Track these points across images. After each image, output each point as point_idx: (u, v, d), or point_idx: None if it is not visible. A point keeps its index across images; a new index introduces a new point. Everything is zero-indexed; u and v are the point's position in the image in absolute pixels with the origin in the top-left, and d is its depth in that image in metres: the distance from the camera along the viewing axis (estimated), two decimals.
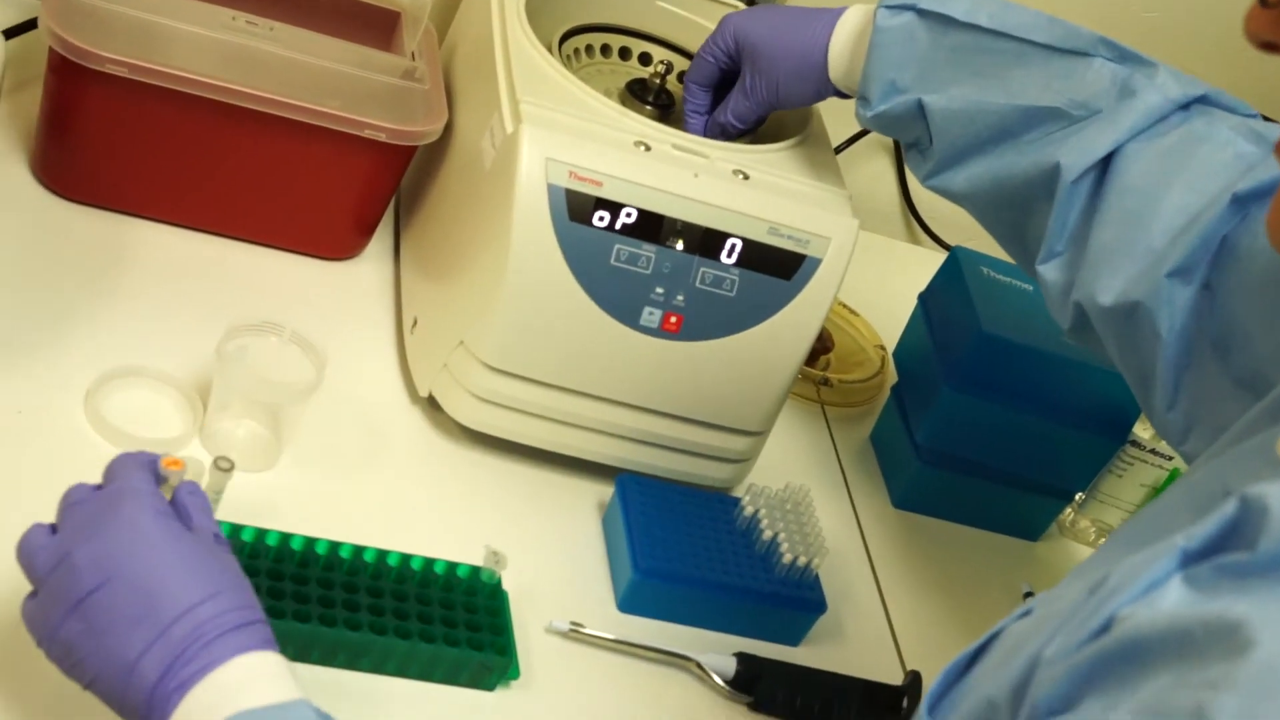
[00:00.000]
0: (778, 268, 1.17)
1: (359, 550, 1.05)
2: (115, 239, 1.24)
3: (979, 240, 1.61)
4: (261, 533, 1.02)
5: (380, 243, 1.36)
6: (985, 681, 0.73)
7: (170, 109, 1.19)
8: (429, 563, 1.06)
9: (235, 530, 1.02)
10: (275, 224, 1.29)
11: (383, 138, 1.22)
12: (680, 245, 1.15)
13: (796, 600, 1.17)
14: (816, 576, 1.18)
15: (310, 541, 1.04)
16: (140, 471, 0.85)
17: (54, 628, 0.80)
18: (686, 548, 1.16)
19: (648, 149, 1.16)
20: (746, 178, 1.18)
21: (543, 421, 1.20)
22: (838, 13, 1.15)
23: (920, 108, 1.09)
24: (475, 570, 1.08)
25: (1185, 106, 1.03)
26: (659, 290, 1.15)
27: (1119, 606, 0.64)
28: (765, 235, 1.16)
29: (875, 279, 1.56)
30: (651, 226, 1.14)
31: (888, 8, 1.09)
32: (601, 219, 1.13)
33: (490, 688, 1.04)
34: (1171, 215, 0.98)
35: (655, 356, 1.17)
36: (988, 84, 1.07)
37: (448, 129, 1.27)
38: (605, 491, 1.22)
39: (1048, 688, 0.65)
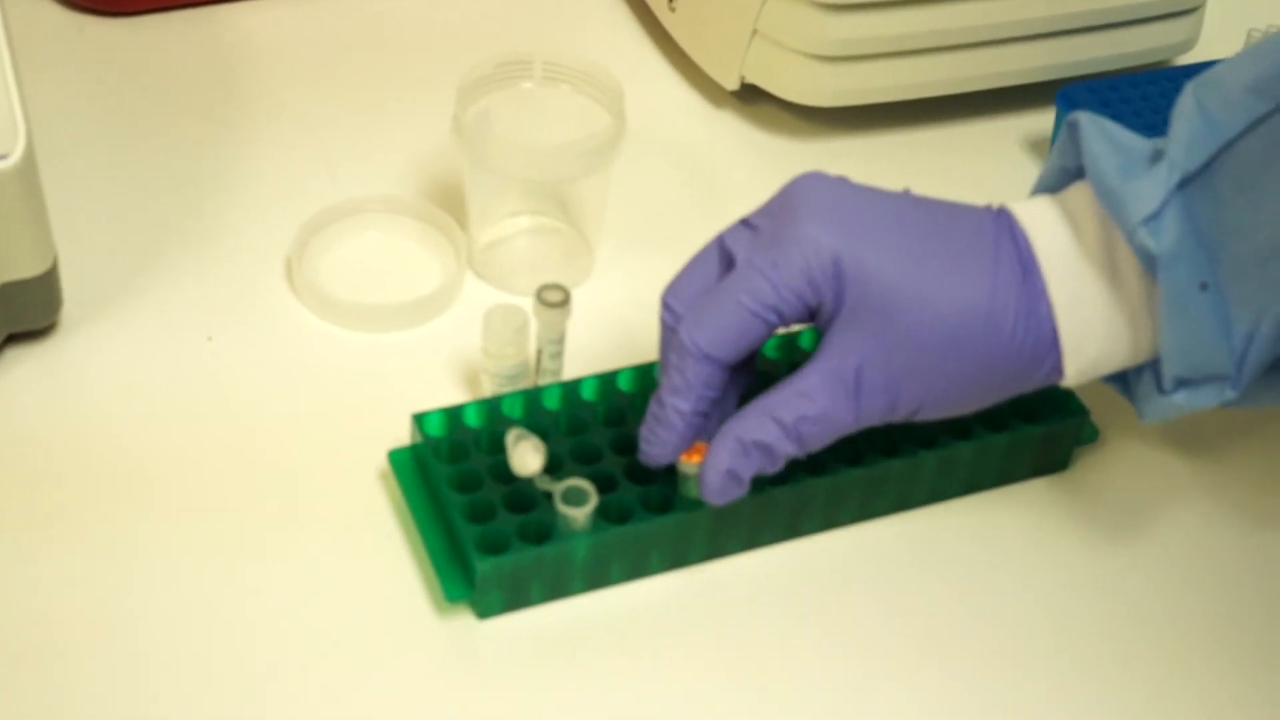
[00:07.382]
0: None
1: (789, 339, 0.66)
2: (209, 45, 0.83)
3: None
4: (643, 371, 0.64)
5: None
6: None
7: None
8: None
9: (609, 380, 0.63)
10: None
11: None
12: None
13: None
14: None
15: None
16: None
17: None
18: None
19: None
20: None
21: (925, 58, 0.80)
22: (1019, 243, 0.60)
23: None
24: None
25: None
26: None
27: None
28: None
29: None
30: None
31: (1148, 222, 0.58)
32: None
33: (1064, 463, 0.66)
34: None
35: None
36: None
37: None
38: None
39: None
